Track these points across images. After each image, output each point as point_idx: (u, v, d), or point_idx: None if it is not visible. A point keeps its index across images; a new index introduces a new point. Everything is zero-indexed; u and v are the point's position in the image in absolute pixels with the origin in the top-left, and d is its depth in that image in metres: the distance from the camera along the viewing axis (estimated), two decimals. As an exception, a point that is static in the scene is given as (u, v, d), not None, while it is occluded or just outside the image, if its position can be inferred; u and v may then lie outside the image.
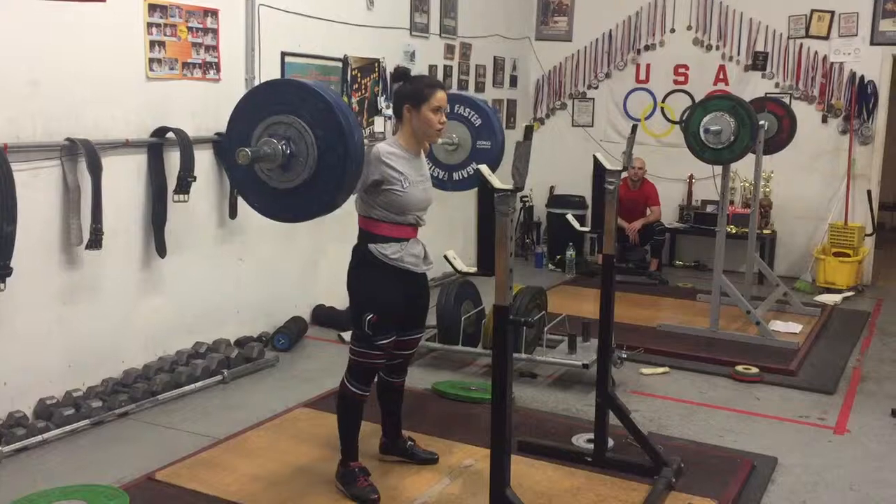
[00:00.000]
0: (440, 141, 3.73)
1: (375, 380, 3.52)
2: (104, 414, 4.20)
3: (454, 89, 7.74)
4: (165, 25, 4.66)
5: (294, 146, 2.79)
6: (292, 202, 2.89)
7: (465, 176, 4.12)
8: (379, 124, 6.60)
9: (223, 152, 2.98)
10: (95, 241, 4.21)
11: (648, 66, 8.71)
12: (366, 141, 3.27)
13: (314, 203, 2.88)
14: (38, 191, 4.05)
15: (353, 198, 3.21)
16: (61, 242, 4.19)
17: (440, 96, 3.34)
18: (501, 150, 4.11)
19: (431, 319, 5.28)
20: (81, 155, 4.15)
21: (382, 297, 3.31)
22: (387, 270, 3.30)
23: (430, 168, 3.92)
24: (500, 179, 2.69)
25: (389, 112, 6.72)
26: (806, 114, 7.79)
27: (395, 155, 3.30)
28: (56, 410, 4.07)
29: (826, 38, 7.91)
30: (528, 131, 2.70)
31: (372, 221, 3.30)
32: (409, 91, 3.36)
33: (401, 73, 3.45)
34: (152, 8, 4.56)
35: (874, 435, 4.31)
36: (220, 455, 3.81)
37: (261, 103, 2.90)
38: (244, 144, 2.80)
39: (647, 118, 8.73)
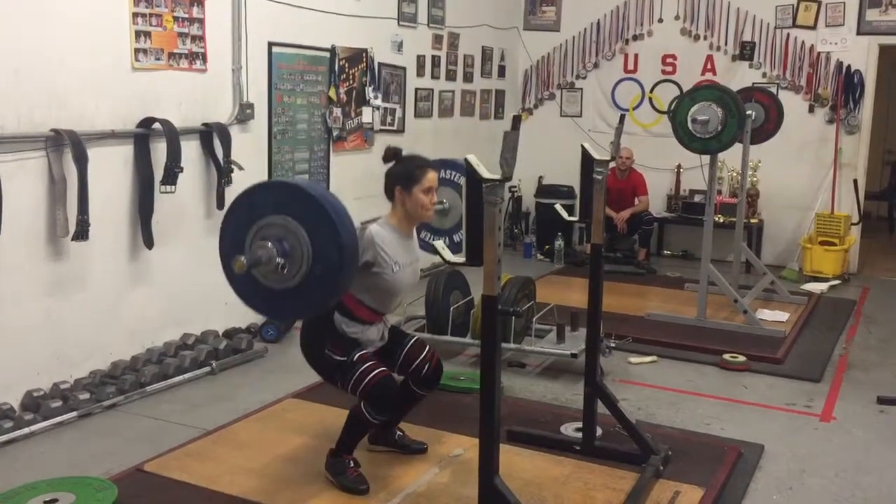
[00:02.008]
0: None
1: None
2: (92, 406, 4.18)
3: (442, 80, 7.74)
4: (151, 15, 4.62)
5: (287, 245, 2.66)
6: (292, 301, 2.76)
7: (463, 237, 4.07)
8: (367, 115, 6.58)
9: (223, 263, 2.81)
10: (82, 233, 4.19)
11: (636, 56, 8.72)
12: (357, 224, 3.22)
13: (314, 298, 2.75)
14: (23, 182, 4.01)
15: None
16: (47, 234, 4.16)
17: (431, 177, 3.35)
18: None
19: (420, 310, 5.30)
20: (67, 146, 4.12)
21: (352, 344, 3.32)
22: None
23: (427, 237, 3.95)
24: (488, 169, 2.69)
25: (378, 102, 6.70)
26: (793, 103, 7.81)
27: (388, 238, 3.32)
28: (43, 402, 4.05)
29: (813, 27, 7.93)
30: (516, 121, 2.70)
31: (349, 295, 3.27)
32: (400, 173, 3.36)
33: (392, 154, 3.43)
34: (137, -3, 4.53)
35: (860, 422, 4.34)
36: (209, 446, 3.80)
37: (249, 207, 2.77)
38: (239, 251, 2.71)
39: (635, 108, 8.75)
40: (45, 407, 4.03)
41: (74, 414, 4.10)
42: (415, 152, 3.53)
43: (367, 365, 3.28)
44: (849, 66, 7.82)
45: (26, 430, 3.89)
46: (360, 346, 3.34)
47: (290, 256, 2.65)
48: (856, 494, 3.56)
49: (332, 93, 6.13)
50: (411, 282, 3.45)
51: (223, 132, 5.08)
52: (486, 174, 2.65)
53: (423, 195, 3.33)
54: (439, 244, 2.80)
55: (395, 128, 7.04)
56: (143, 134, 4.61)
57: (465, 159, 2.68)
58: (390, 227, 3.37)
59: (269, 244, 2.65)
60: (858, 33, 7.77)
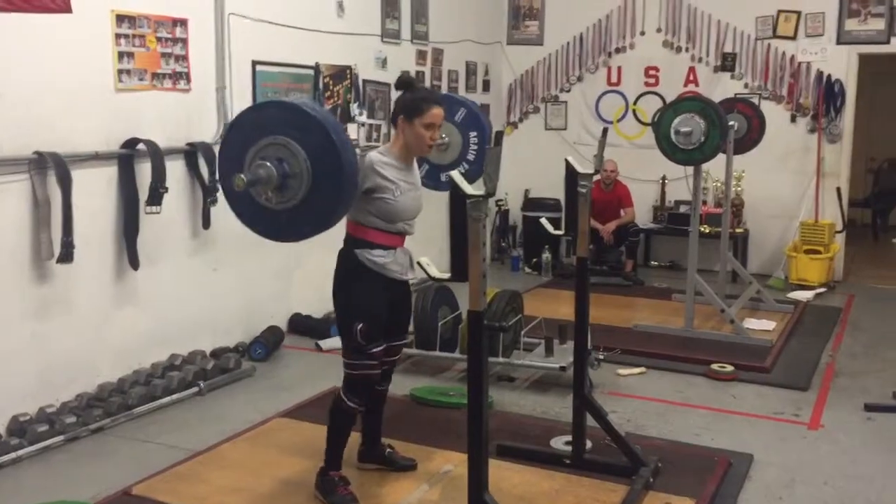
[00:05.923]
0: None
1: None
2: (79, 429, 4.15)
3: (427, 95, 7.75)
4: (134, 36, 4.62)
5: (288, 165, 2.71)
6: (293, 221, 2.82)
7: (464, 171, 4.02)
8: (352, 131, 6.59)
9: (222, 181, 2.87)
10: (67, 255, 4.17)
11: (620, 68, 8.77)
12: (357, 151, 3.23)
13: (316, 219, 2.82)
14: (7, 205, 4.00)
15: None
16: (32, 257, 4.14)
17: (435, 112, 3.32)
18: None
19: (409, 325, 5.29)
20: (50, 168, 4.11)
21: (369, 305, 3.32)
22: (372, 278, 3.31)
23: (427, 172, 3.91)
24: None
25: (363, 118, 6.72)
26: (775, 113, 7.89)
27: (387, 164, 3.31)
28: (29, 427, 4.01)
29: (793, 38, 8.01)
30: (498, 137, 2.72)
31: (361, 227, 3.31)
32: (406, 102, 3.35)
33: (404, 82, 3.44)
34: (120, 18, 4.53)
35: (848, 430, 4.36)
36: (198, 468, 3.78)
37: (248, 128, 2.82)
38: (238, 170, 2.73)
39: (619, 120, 8.79)
40: (31, 431, 3.99)
41: (61, 438, 4.07)
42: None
43: (373, 363, 3.36)
44: (829, 76, 7.90)
45: (13, 455, 3.85)
46: (378, 340, 3.35)
47: (290, 177, 2.69)
48: (844, 502, 3.57)
49: (316, 110, 6.13)
50: (416, 206, 3.41)
51: (208, 151, 5.08)
52: (469, 190, 2.66)
53: (424, 129, 3.30)
54: (424, 260, 2.80)
55: (380, 143, 7.04)
56: (128, 155, 4.60)
57: (449, 175, 2.69)
58: (390, 153, 3.36)
59: (269, 164, 2.67)
60: (838, 43, 7.84)
